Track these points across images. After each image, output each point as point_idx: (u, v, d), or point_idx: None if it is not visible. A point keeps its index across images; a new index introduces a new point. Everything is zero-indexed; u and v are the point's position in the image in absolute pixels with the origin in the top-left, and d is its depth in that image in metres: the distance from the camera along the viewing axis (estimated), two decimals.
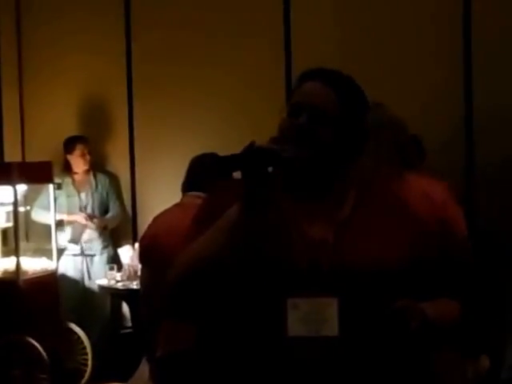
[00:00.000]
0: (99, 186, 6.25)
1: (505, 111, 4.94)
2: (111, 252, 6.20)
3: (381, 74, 5.29)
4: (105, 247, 6.21)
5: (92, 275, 6.11)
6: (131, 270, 5.67)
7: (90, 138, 6.38)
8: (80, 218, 6.08)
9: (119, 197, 6.36)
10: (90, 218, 6.08)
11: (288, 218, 1.81)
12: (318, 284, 1.75)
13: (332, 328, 1.74)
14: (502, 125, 4.94)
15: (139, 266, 4.94)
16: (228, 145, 1.71)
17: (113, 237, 6.35)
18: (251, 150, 1.64)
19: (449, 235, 2.50)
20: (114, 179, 6.41)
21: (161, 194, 5.88)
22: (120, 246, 6.07)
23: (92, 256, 6.15)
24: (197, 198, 3.34)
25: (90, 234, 6.14)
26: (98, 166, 6.42)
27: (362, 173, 1.93)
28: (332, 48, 5.51)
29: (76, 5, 6.65)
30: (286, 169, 1.69)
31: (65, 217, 6.09)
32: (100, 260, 6.15)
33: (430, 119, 5.13)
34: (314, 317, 1.74)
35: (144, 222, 4.94)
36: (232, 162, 1.65)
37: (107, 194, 6.26)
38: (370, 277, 1.76)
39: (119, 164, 6.57)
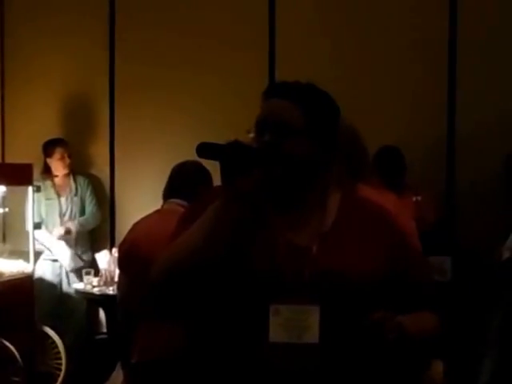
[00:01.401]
0: (79, 190, 6.22)
1: (486, 129, 4.98)
2: (89, 258, 6.17)
3: (365, 89, 5.32)
4: (83, 253, 6.18)
5: (70, 280, 6.07)
6: (108, 275, 5.65)
7: (70, 141, 6.35)
8: (60, 232, 6.03)
9: (94, 199, 6.29)
10: (68, 232, 6.04)
11: (273, 226, 1.83)
12: (301, 292, 1.76)
13: (313, 335, 1.75)
14: (483, 143, 4.97)
15: (116, 272, 4.94)
16: None
17: (90, 242, 6.31)
18: (233, 143, 1.69)
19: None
20: (92, 181, 6.36)
21: (141, 199, 5.87)
22: (97, 250, 6.04)
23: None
24: (178, 205, 3.35)
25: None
26: (78, 168, 6.39)
27: (341, 182, 1.94)
28: (314, 53, 5.54)
29: (59, 6, 6.63)
30: (264, 167, 1.72)
31: (48, 236, 6.04)
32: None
33: (413, 136, 5.16)
34: (295, 323, 1.76)
35: (123, 228, 4.93)
36: (213, 149, 1.71)
37: (85, 195, 6.23)
38: (351, 287, 1.78)
39: (99, 168, 6.55)
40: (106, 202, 6.51)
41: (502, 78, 4.99)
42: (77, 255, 6.11)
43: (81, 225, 6.14)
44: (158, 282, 1.79)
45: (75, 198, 6.18)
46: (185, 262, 1.74)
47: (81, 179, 6.27)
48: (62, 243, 6.03)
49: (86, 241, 6.28)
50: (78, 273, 5.97)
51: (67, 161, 6.20)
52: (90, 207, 6.25)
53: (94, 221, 6.29)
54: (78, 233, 6.11)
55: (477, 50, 5.09)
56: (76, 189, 6.21)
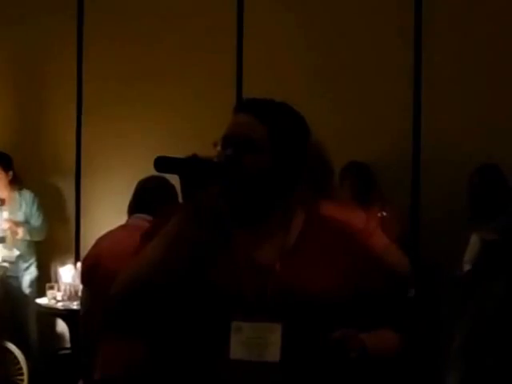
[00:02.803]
0: (23, 206, 6.11)
1: (451, 144, 5.03)
2: (34, 274, 6.08)
3: (330, 105, 5.34)
4: (27, 268, 6.07)
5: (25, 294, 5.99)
6: (72, 289, 5.61)
7: (34, 151, 6.28)
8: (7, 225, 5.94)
9: (42, 214, 6.14)
10: (16, 224, 5.95)
11: (235, 242, 1.82)
12: (263, 309, 1.76)
13: (274, 353, 1.75)
14: (448, 159, 5.01)
15: (80, 286, 4.90)
16: None
17: (37, 255, 6.20)
18: (191, 158, 1.71)
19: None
20: (39, 196, 6.23)
21: (106, 214, 5.83)
22: (62, 265, 5.98)
23: (16, 277, 6.00)
24: (143, 220, 3.34)
25: (10, 254, 6.00)
26: (42, 181, 6.33)
27: (305, 199, 1.95)
28: (282, 67, 5.55)
29: (27, 17, 6.59)
30: (223, 182, 1.72)
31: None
32: (24, 282, 6.01)
33: (379, 151, 5.19)
34: (257, 341, 1.75)
35: (88, 242, 4.89)
36: (171, 163, 1.72)
37: (30, 210, 6.12)
38: (313, 305, 1.77)
39: (65, 182, 6.50)
40: (72, 216, 6.45)
41: (468, 92, 5.04)
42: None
43: (28, 231, 6.03)
44: (119, 296, 1.78)
45: (19, 213, 6.06)
46: (145, 276, 1.73)
47: (27, 195, 6.14)
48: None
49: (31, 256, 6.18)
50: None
51: (7, 177, 6.07)
52: (36, 222, 6.12)
53: (37, 234, 6.13)
54: (23, 242, 6.01)
55: (442, 64, 5.13)
56: (20, 205, 6.09)
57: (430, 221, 5.10)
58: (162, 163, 1.71)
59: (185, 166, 1.71)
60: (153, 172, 3.36)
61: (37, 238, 6.09)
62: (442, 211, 4.95)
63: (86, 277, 3.52)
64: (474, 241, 4.36)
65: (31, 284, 6.01)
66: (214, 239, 1.78)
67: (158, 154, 1.71)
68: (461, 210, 4.60)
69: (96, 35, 6.36)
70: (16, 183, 6.12)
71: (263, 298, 1.77)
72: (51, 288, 5.70)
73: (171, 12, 6.05)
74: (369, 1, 5.44)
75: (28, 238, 6.00)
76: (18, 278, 5.98)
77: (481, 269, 4.28)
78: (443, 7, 5.16)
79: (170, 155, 1.72)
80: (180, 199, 3.03)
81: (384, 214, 4.60)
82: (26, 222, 6.03)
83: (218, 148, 1.82)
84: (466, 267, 4.35)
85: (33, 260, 6.10)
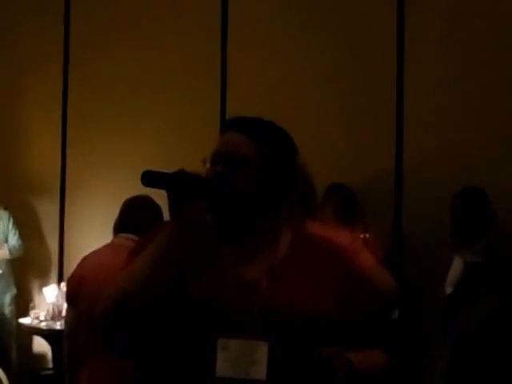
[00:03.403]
0: (0, 223, 6.09)
1: (434, 167, 5.06)
2: (13, 293, 6.03)
3: (313, 127, 5.35)
4: (6, 287, 6.02)
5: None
6: (56, 309, 5.58)
7: (16, 173, 6.25)
8: None
9: (17, 231, 6.13)
10: None
11: (223, 259, 1.83)
12: (250, 327, 1.76)
13: (260, 371, 1.74)
14: (430, 182, 5.04)
15: (64, 306, 4.88)
16: None
17: (17, 274, 6.16)
18: (178, 173, 1.71)
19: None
20: (16, 215, 6.21)
21: (91, 233, 5.81)
22: (45, 284, 5.96)
23: None
24: (128, 239, 3.34)
25: None
26: (25, 199, 6.30)
27: (294, 216, 1.96)
28: (265, 88, 5.58)
29: (13, 38, 6.61)
30: (211, 198, 1.73)
31: None
32: (3, 301, 5.96)
33: (361, 173, 5.21)
34: (243, 359, 1.75)
35: (72, 262, 4.87)
36: (158, 177, 1.71)
37: (7, 228, 6.09)
38: (300, 323, 1.77)
39: (49, 200, 6.48)
40: (56, 235, 6.43)
41: (451, 115, 5.07)
42: None
43: (8, 249, 5.99)
44: (104, 314, 1.77)
45: None
46: (131, 292, 1.73)
47: (2, 213, 6.12)
48: None
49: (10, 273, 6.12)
50: None
51: None
52: (13, 240, 6.09)
53: (16, 252, 6.10)
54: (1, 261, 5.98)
55: (425, 87, 5.17)
56: None
57: (412, 243, 5.11)
58: (148, 177, 1.70)
59: (172, 180, 1.71)
60: (138, 191, 3.44)
61: (16, 256, 6.07)
62: (425, 233, 4.96)
63: (71, 296, 3.51)
64: (456, 263, 4.39)
65: (11, 303, 5.97)
66: (200, 255, 1.79)
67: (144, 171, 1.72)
68: (443, 232, 4.61)
69: (84, 52, 6.39)
70: None
71: (250, 315, 1.76)
72: (34, 308, 5.67)
73: (155, 44, 6.07)
74: (354, 29, 5.47)
75: (8, 256, 5.98)
76: None
77: (463, 292, 4.31)
78: (424, 39, 5.21)
79: (156, 170, 1.72)
80: (166, 219, 3.03)
81: (367, 236, 4.62)
82: (5, 241, 6.02)
83: (207, 165, 1.83)
84: (449, 290, 4.38)
85: (12, 279, 6.06)
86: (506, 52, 4.93)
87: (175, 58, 5.96)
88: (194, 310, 1.78)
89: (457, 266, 4.36)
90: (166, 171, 1.73)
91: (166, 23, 6.06)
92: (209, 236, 1.80)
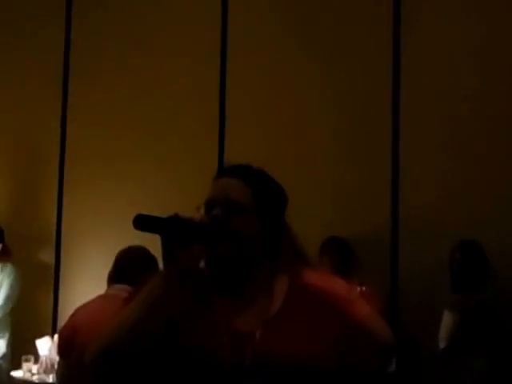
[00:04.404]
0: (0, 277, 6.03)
1: (428, 226, 5.05)
2: (7, 346, 5.96)
3: (310, 183, 5.36)
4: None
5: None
6: (48, 362, 5.51)
7: (15, 218, 6.24)
8: None
9: (11, 288, 6.00)
10: None
11: (216, 307, 1.82)
12: (241, 377, 1.75)
13: None
14: (427, 235, 5.03)
15: (57, 359, 4.82)
16: None
17: (12, 326, 6.05)
18: (173, 218, 1.70)
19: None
20: (11, 270, 6.10)
21: (85, 284, 5.78)
22: (39, 336, 5.89)
23: None
24: (122, 290, 3.32)
25: None
26: (21, 249, 6.28)
27: (289, 267, 1.94)
28: (264, 137, 5.61)
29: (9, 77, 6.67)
30: (207, 243, 1.73)
31: None
32: None
33: (357, 226, 5.21)
34: None
35: (66, 313, 4.83)
36: (151, 221, 1.70)
37: (4, 281, 6.00)
38: (292, 374, 1.76)
39: (43, 252, 6.46)
40: (50, 287, 6.39)
41: (446, 168, 5.08)
42: None
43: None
44: (93, 360, 1.77)
45: None
46: (121, 338, 1.72)
47: (8, 269, 6.00)
48: None
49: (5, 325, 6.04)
50: None
51: None
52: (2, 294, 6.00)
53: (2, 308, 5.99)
54: None
55: (420, 139, 5.19)
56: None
57: (408, 296, 5.09)
58: (141, 221, 1.70)
59: (166, 224, 1.70)
60: (133, 242, 3.42)
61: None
62: (421, 286, 4.95)
63: (62, 348, 3.48)
64: (447, 317, 4.38)
65: (3, 356, 5.90)
66: (192, 302, 1.77)
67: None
68: (440, 284, 4.60)
69: (83, 85, 6.45)
70: (4, 256, 6.05)
71: (241, 366, 1.75)
72: (27, 360, 5.60)
73: (151, 88, 6.13)
74: (348, 61, 5.53)
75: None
76: None
77: (456, 345, 4.29)
78: (421, 91, 5.26)
79: (148, 214, 1.71)
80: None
81: (363, 288, 4.60)
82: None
83: (202, 211, 1.83)
84: (442, 344, 4.36)
85: (6, 331, 6.00)
86: (504, 100, 4.96)
87: (171, 100, 6.00)
88: (185, 358, 1.77)
89: (448, 319, 4.35)
90: (159, 215, 1.72)
91: (162, 64, 6.11)
92: (202, 283, 1.78)
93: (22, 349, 6.05)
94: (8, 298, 5.96)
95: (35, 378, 5.46)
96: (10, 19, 6.80)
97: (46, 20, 6.63)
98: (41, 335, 5.93)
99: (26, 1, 6.77)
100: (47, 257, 6.45)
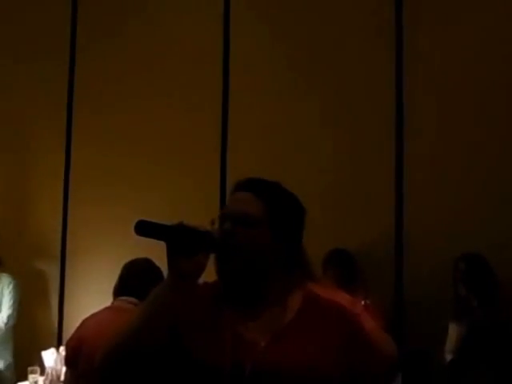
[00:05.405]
0: None
1: (434, 232, 5.06)
2: (11, 358, 5.96)
3: (313, 196, 5.36)
4: (4, 352, 5.93)
5: None
6: (54, 374, 5.51)
7: (19, 237, 6.26)
8: None
9: (14, 298, 6.01)
10: None
11: (223, 315, 1.83)
12: None
13: None
14: (431, 247, 5.04)
15: (63, 371, 4.84)
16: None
17: (16, 338, 6.06)
18: (177, 226, 1.72)
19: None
20: (22, 279, 6.14)
21: (91, 296, 5.79)
22: (44, 348, 5.91)
23: None
24: (128, 302, 3.34)
25: None
26: (27, 262, 6.29)
27: (302, 279, 1.95)
28: (265, 152, 5.62)
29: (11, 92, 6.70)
30: (212, 252, 1.75)
31: None
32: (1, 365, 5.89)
33: (361, 240, 5.21)
34: None
35: (71, 326, 4.84)
36: (154, 228, 1.71)
37: (3, 293, 6.00)
38: (293, 382, 1.76)
39: (49, 263, 6.48)
40: (55, 299, 6.40)
41: (450, 181, 5.10)
42: None
43: (2, 320, 5.94)
44: (103, 366, 1.79)
45: None
46: (126, 344, 1.75)
47: (4, 279, 6.01)
48: None
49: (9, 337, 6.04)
50: None
51: None
52: (5, 313, 5.95)
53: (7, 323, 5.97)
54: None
55: (424, 152, 5.21)
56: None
57: (413, 308, 5.08)
58: (143, 227, 1.71)
59: (172, 232, 1.71)
60: (140, 254, 3.44)
61: (3, 328, 5.94)
62: (426, 299, 4.95)
63: (69, 359, 3.49)
64: (452, 330, 4.37)
65: (8, 367, 5.90)
66: (198, 308, 1.80)
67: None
68: (444, 297, 4.60)
69: (86, 108, 6.46)
70: None
71: (241, 374, 1.76)
72: (33, 372, 5.60)
73: (155, 105, 6.15)
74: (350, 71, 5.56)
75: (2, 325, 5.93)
76: None
77: (463, 358, 4.28)
78: (423, 114, 5.28)
79: (151, 220, 1.72)
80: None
81: (367, 301, 4.61)
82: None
83: (216, 226, 1.85)
84: (448, 357, 4.35)
85: (10, 341, 6.00)
86: (506, 112, 4.99)
87: (176, 119, 6.03)
88: (187, 365, 1.79)
89: (453, 332, 4.35)
90: (163, 223, 1.73)
91: (166, 84, 6.13)
92: (209, 292, 1.80)
93: (26, 360, 6.06)
94: (14, 305, 5.98)
95: None
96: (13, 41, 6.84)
97: (48, 53, 6.67)
98: (45, 346, 5.95)
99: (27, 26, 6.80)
100: (50, 268, 6.45)
